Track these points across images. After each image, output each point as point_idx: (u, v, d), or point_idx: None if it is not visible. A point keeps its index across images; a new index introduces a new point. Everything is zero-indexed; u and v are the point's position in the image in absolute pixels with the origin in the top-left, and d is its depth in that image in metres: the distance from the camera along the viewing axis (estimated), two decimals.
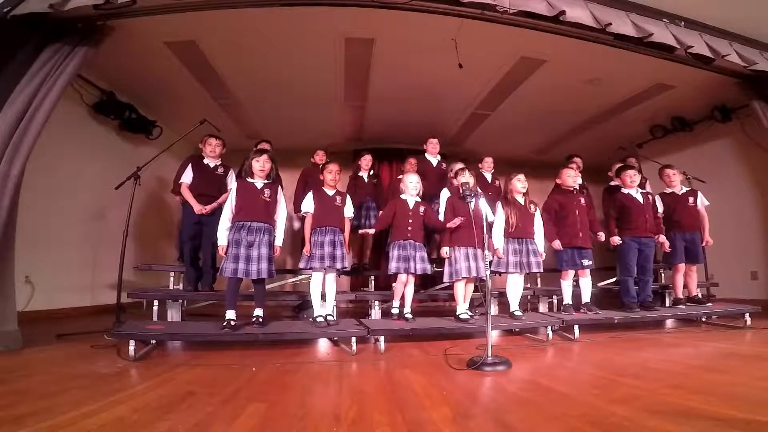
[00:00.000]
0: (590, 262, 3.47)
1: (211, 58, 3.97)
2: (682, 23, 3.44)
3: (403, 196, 3.30)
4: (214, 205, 3.52)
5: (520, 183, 3.39)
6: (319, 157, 4.71)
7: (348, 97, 4.89)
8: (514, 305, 3.35)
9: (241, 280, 2.83)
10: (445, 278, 3.21)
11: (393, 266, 3.13)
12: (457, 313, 3.15)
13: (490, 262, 2.47)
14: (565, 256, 3.47)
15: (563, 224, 3.50)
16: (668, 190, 3.95)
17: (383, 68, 4.20)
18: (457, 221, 3.09)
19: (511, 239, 3.33)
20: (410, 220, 3.20)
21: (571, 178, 3.58)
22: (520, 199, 3.40)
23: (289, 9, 3.19)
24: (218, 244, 2.85)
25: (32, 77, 2.77)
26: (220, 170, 3.75)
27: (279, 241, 2.97)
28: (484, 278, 2.85)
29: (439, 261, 3.38)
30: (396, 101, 4.94)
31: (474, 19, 3.17)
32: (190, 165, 3.67)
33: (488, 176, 4.64)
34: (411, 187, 3.28)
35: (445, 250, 3.21)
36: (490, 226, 3.21)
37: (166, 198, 5.25)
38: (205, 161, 3.71)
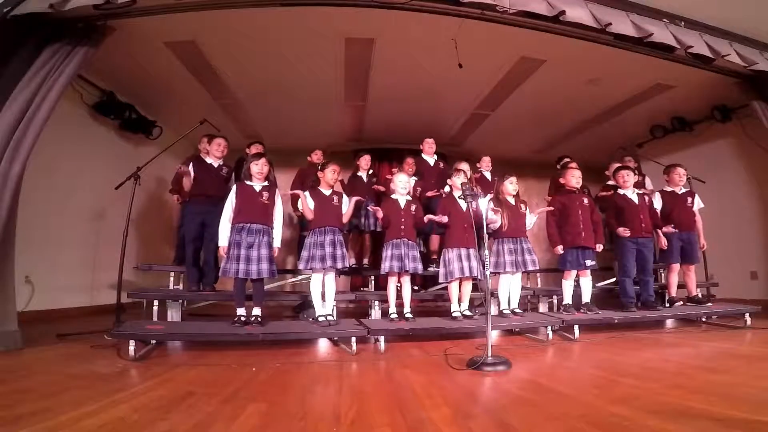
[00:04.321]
0: (593, 263, 3.47)
1: (211, 58, 3.97)
2: (682, 23, 3.44)
3: (393, 196, 3.31)
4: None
5: (511, 185, 3.41)
6: (317, 156, 4.70)
7: (348, 97, 4.89)
8: (504, 304, 3.37)
9: (246, 280, 2.88)
10: (440, 279, 3.23)
11: (387, 265, 3.12)
12: (451, 313, 3.18)
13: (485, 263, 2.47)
14: (569, 257, 3.46)
15: (566, 224, 3.49)
16: (668, 189, 3.94)
17: (383, 68, 4.19)
18: (443, 218, 3.18)
19: (506, 239, 3.34)
20: (402, 219, 3.21)
21: (575, 178, 3.58)
22: (511, 200, 3.42)
23: (289, 9, 3.19)
24: (219, 245, 2.90)
25: (32, 77, 2.78)
26: (225, 171, 3.74)
27: (277, 242, 3.00)
28: (480, 278, 2.86)
29: (438, 261, 3.40)
30: (396, 101, 4.94)
31: (474, 19, 3.17)
32: (191, 165, 3.66)
33: (488, 175, 4.65)
34: (400, 186, 3.30)
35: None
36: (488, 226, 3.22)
37: (166, 198, 5.25)
38: (209, 161, 3.71)
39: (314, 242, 2.99)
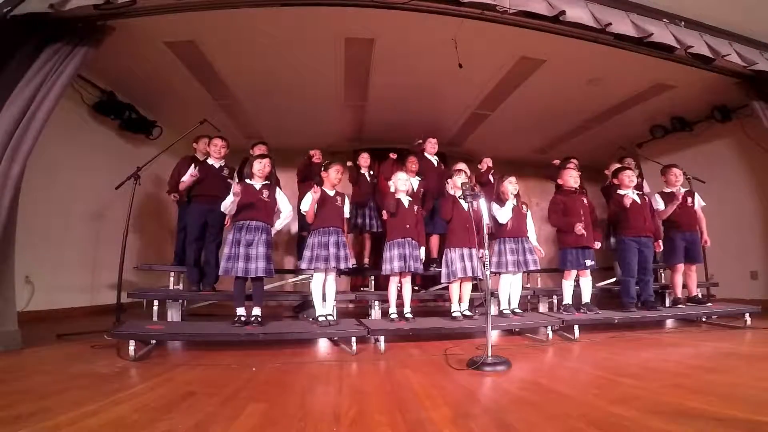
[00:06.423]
0: (593, 263, 3.48)
1: (211, 58, 3.96)
2: (682, 23, 3.44)
3: (397, 196, 3.31)
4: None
5: (511, 185, 3.43)
6: (317, 156, 4.69)
7: (348, 97, 4.89)
8: (504, 304, 3.38)
9: (246, 279, 2.90)
10: (443, 279, 3.24)
11: (396, 265, 3.10)
12: (451, 313, 3.19)
13: (489, 263, 2.47)
14: (569, 257, 3.47)
15: (567, 224, 3.49)
16: (667, 190, 3.95)
17: (383, 68, 4.19)
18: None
19: (508, 239, 3.36)
20: (407, 218, 3.22)
21: (573, 178, 3.59)
22: (512, 200, 3.43)
23: (289, 9, 3.19)
24: (226, 206, 2.92)
25: (32, 77, 2.77)
26: (226, 171, 3.75)
27: (277, 226, 3.10)
28: (482, 278, 2.85)
29: (439, 261, 3.40)
30: (396, 101, 4.94)
31: (474, 19, 3.17)
32: (192, 165, 3.65)
33: (490, 176, 4.65)
34: (400, 184, 3.30)
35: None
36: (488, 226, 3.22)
37: (165, 198, 5.25)
38: (209, 161, 3.71)
39: (318, 242, 2.99)
